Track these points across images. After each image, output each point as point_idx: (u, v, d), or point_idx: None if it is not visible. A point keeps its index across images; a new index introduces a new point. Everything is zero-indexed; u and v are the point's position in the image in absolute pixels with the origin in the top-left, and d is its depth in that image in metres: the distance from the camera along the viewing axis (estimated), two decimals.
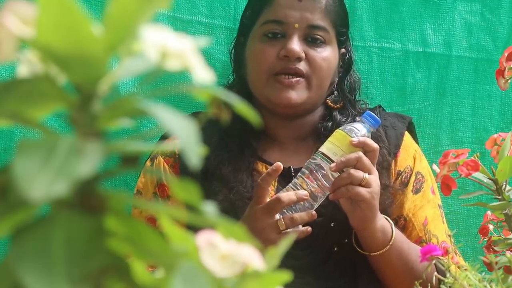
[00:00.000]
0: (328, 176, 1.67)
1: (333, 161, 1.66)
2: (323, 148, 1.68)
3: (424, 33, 2.12)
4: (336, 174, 1.67)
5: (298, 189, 1.66)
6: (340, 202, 1.70)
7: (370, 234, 1.71)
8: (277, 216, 1.64)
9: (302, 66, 1.81)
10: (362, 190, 1.65)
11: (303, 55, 1.81)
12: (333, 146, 1.67)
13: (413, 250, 1.74)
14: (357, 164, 1.65)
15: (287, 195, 1.63)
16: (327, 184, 1.67)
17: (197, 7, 2.04)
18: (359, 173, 1.65)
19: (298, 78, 1.81)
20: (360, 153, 1.66)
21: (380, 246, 1.72)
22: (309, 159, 1.70)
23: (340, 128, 1.70)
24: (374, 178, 1.66)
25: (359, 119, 1.73)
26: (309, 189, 1.66)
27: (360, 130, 1.69)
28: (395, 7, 2.11)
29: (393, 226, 1.74)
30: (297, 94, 1.80)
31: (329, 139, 1.69)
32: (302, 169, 1.69)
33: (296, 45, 1.80)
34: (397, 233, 1.74)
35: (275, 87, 1.81)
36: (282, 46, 1.81)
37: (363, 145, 1.67)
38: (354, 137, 1.67)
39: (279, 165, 1.63)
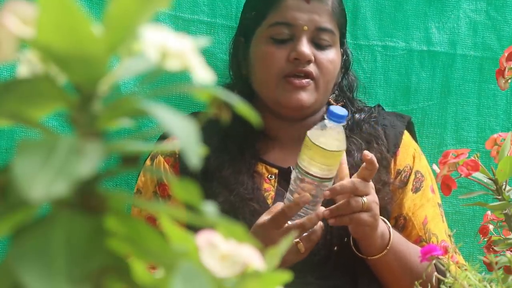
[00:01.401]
0: (316, 188, 1.65)
1: (319, 178, 1.64)
2: (306, 168, 1.62)
3: (429, 32, 2.12)
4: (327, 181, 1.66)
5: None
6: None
7: (369, 243, 1.72)
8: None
9: (312, 68, 1.81)
10: (365, 216, 1.64)
11: (313, 58, 1.81)
12: (314, 163, 1.61)
13: (413, 251, 1.74)
14: (354, 192, 1.63)
15: (310, 219, 1.63)
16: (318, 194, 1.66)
17: (199, 6, 2.04)
18: (358, 202, 1.64)
19: (308, 80, 1.81)
20: (355, 181, 1.63)
21: (378, 250, 1.72)
22: (293, 174, 1.67)
23: (313, 141, 1.61)
24: (372, 199, 1.65)
25: (325, 120, 1.63)
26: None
27: (334, 134, 1.61)
28: (399, 6, 2.11)
29: (391, 229, 1.74)
30: (307, 96, 1.81)
31: (306, 154, 1.62)
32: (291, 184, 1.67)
33: (306, 47, 1.80)
34: (395, 236, 1.73)
35: (286, 89, 1.80)
36: (291, 48, 1.81)
37: (367, 162, 1.64)
38: (331, 148, 1.61)
39: (308, 197, 1.62)
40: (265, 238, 1.62)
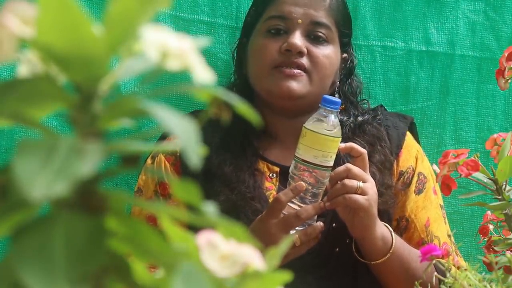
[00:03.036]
0: (313, 176, 1.66)
1: (315, 165, 1.65)
2: (303, 156, 1.65)
3: (428, 32, 2.12)
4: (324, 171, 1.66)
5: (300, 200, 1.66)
6: (339, 212, 1.68)
7: (370, 242, 1.71)
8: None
9: (303, 61, 1.81)
10: (359, 198, 1.64)
11: (305, 50, 1.81)
12: (310, 149, 1.65)
13: (414, 256, 1.73)
14: (348, 175, 1.64)
15: (305, 209, 1.63)
16: (319, 185, 1.66)
17: (199, 6, 2.04)
18: (352, 182, 1.64)
19: (299, 71, 1.81)
20: (349, 165, 1.65)
21: (380, 254, 1.71)
22: (292, 166, 1.68)
23: (308, 127, 1.65)
24: (369, 186, 1.65)
25: (320, 109, 1.67)
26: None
27: (328, 121, 1.66)
28: (398, 6, 2.11)
29: (393, 234, 1.73)
30: (298, 85, 1.80)
31: (302, 142, 1.65)
32: (289, 177, 1.68)
33: (298, 39, 1.81)
34: (397, 241, 1.73)
35: (276, 77, 1.81)
36: (284, 41, 1.82)
37: (350, 151, 1.67)
38: (325, 132, 1.65)
39: (303, 185, 1.63)
40: (264, 231, 1.62)
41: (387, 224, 1.74)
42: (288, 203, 1.65)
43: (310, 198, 1.66)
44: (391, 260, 1.71)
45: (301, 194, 1.65)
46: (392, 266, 1.72)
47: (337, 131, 1.66)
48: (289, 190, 1.63)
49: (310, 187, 1.65)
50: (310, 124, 1.66)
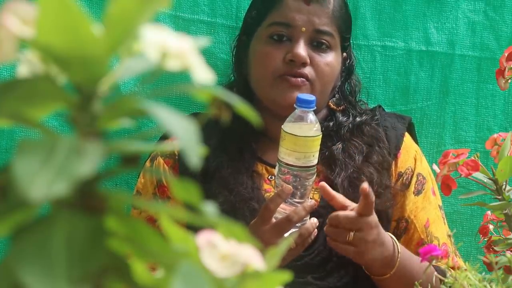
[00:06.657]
0: (297, 178, 1.65)
1: (299, 167, 1.64)
2: (285, 159, 1.64)
3: (427, 32, 2.12)
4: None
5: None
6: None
7: (367, 267, 1.71)
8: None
9: (307, 70, 1.81)
10: (349, 249, 1.63)
11: (308, 60, 1.81)
12: (291, 152, 1.63)
13: (420, 270, 1.69)
14: (339, 224, 1.62)
15: (296, 212, 1.63)
16: (303, 188, 1.66)
17: (199, 5, 2.05)
18: (342, 234, 1.62)
19: (303, 79, 1.81)
20: (340, 214, 1.62)
21: (380, 274, 1.71)
22: (276, 169, 1.67)
23: (286, 130, 1.64)
24: (362, 236, 1.62)
25: (296, 110, 1.66)
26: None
27: (305, 121, 1.64)
28: (398, 6, 2.11)
29: (399, 253, 1.70)
30: None
31: (282, 145, 1.64)
32: (276, 182, 1.68)
33: (302, 49, 1.80)
34: (402, 260, 1.70)
35: (281, 86, 1.80)
36: (288, 49, 1.81)
37: (362, 191, 1.62)
38: (304, 133, 1.63)
39: (289, 188, 1.63)
40: (256, 237, 1.61)
41: (395, 241, 1.71)
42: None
43: (298, 199, 1.66)
44: (392, 279, 1.71)
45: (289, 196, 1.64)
46: (394, 283, 1.71)
47: (316, 129, 1.65)
48: (276, 196, 1.62)
49: (296, 189, 1.65)
50: (288, 126, 1.64)
